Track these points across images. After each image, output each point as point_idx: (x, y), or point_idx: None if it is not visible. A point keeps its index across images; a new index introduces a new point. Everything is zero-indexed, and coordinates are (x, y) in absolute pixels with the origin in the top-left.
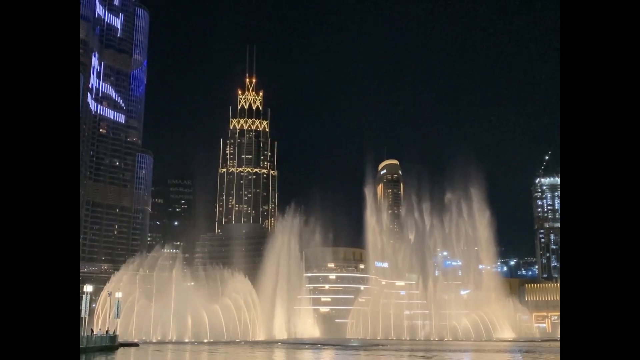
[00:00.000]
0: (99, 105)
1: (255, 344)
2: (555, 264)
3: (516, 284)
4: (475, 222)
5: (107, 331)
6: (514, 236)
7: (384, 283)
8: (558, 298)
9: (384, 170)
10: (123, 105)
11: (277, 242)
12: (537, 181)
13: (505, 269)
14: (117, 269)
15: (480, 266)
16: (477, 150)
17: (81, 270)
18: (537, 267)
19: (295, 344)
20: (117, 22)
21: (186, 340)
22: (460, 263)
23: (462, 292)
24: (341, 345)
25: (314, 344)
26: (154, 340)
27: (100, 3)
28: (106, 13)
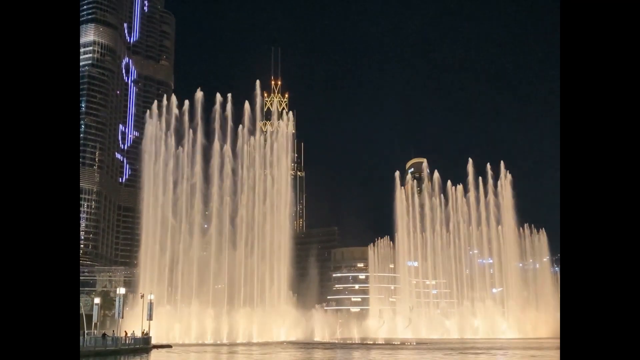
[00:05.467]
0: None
1: (290, 344)
2: None
3: (550, 281)
4: (505, 220)
5: (142, 332)
6: (547, 233)
7: (414, 282)
8: None
9: (412, 169)
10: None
11: (305, 244)
12: None
13: (537, 265)
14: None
15: (512, 264)
16: (506, 147)
17: (114, 274)
18: None
19: (329, 343)
20: (144, 29)
21: (218, 342)
22: (492, 261)
23: (494, 291)
24: (384, 344)
25: (348, 344)
26: (187, 342)
27: (126, 10)
28: (133, 20)
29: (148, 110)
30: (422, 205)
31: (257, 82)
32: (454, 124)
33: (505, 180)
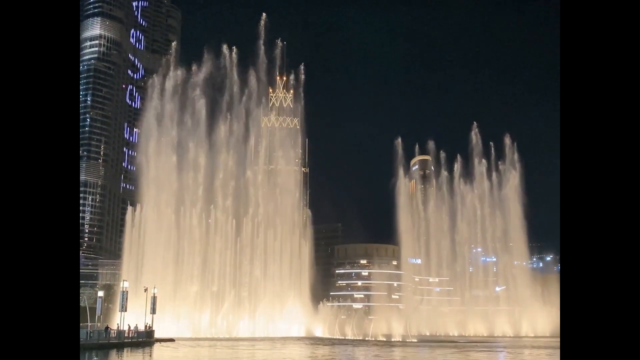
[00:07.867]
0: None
1: (288, 339)
2: None
3: (553, 280)
4: (509, 218)
5: (145, 326)
6: (551, 232)
7: (417, 280)
8: None
9: (416, 166)
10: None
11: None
12: None
13: (541, 265)
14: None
15: (516, 262)
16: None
17: (118, 267)
18: None
19: (329, 339)
20: (150, 23)
21: (221, 337)
22: (495, 259)
23: (497, 289)
24: (380, 341)
25: (350, 340)
26: (190, 336)
27: (133, 5)
28: (139, 15)
29: (154, 75)
30: (426, 203)
31: (263, 15)
32: (458, 121)
33: (512, 151)
